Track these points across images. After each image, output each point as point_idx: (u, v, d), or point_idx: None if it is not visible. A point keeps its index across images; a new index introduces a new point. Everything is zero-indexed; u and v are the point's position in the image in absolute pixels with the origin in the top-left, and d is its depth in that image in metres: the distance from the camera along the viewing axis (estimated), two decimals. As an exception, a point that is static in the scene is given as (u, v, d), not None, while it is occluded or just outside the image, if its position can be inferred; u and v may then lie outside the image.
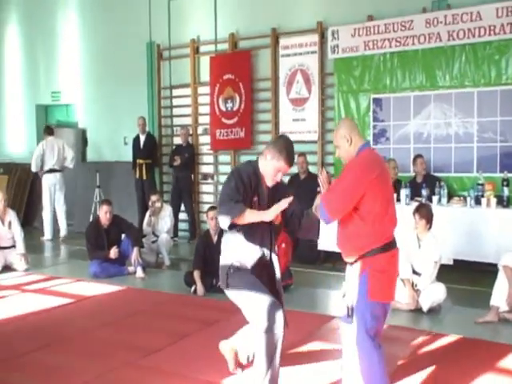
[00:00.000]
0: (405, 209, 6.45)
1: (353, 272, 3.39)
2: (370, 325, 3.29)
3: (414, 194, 7.16)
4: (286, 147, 3.54)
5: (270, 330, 3.38)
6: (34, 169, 10.10)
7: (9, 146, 12.79)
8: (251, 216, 3.41)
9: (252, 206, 3.52)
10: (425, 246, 5.62)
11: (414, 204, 6.32)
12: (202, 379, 3.97)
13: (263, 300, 3.43)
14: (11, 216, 7.76)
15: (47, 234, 10.12)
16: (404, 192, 6.98)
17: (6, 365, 4.36)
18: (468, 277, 6.65)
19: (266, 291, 3.49)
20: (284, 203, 3.35)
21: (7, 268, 7.59)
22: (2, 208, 7.67)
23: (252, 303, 3.48)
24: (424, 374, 4.02)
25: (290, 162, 3.55)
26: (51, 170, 10.03)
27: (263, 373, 3.40)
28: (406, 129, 8.01)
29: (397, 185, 7.27)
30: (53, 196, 10.09)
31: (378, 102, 8.19)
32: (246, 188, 3.50)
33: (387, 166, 3.56)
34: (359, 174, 3.29)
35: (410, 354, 4.44)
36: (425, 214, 5.59)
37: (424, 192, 7.02)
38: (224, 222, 3.43)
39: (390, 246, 3.35)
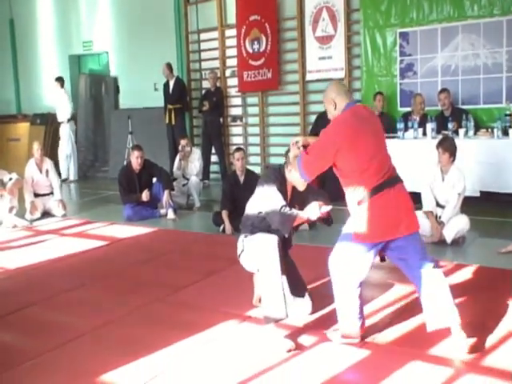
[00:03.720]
0: (431, 143, 6.40)
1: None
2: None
3: (443, 127, 7.10)
4: None
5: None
6: (69, 116, 10.99)
7: (45, 97, 13.04)
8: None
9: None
10: (449, 178, 5.59)
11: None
12: (226, 312, 4.12)
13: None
14: (48, 164, 8.05)
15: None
16: (430, 126, 6.95)
17: (42, 304, 4.58)
18: (495, 208, 6.63)
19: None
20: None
21: (46, 214, 7.93)
22: (39, 157, 7.97)
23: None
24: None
25: None
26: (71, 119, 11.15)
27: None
28: (433, 62, 7.89)
29: (424, 119, 7.27)
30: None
31: (404, 36, 8.05)
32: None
33: (374, 119, 3.55)
34: (331, 135, 3.41)
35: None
36: (447, 147, 5.53)
37: (450, 125, 6.96)
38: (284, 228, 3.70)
39: (378, 190, 3.38)
